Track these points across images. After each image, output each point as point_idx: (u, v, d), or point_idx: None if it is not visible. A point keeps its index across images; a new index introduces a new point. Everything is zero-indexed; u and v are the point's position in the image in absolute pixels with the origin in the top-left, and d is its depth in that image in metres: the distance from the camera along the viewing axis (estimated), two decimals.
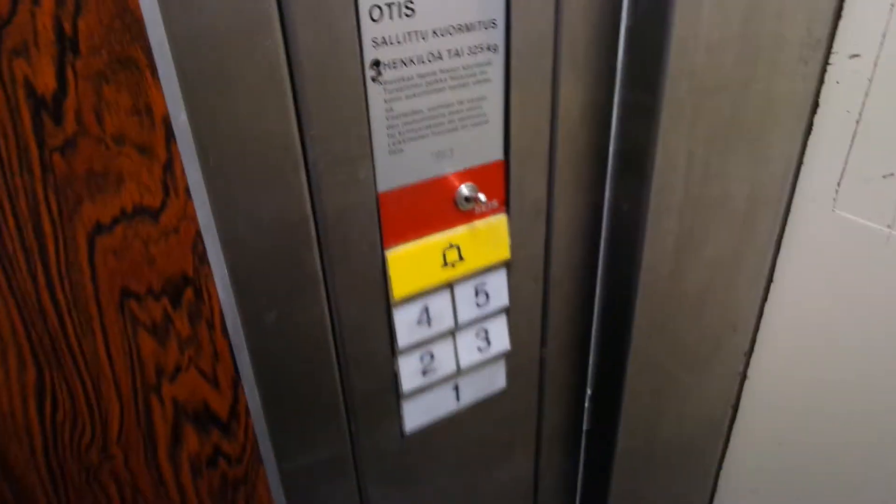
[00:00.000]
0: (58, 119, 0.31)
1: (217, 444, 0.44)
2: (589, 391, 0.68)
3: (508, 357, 0.58)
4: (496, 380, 0.59)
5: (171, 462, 0.43)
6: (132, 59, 0.32)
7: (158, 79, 0.33)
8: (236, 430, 0.45)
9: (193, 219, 0.36)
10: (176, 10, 0.32)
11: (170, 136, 0.34)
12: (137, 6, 0.31)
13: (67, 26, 0.30)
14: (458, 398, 0.57)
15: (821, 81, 0.55)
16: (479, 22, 0.43)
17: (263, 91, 0.37)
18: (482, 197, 0.47)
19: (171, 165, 0.35)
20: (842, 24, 0.53)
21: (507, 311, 0.55)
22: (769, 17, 0.49)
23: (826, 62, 0.55)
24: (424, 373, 0.53)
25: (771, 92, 0.54)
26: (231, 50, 0.35)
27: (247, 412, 0.44)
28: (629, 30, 0.49)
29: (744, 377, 0.72)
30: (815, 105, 0.57)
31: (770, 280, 0.66)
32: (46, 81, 0.30)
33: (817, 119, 0.57)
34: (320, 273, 0.44)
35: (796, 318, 0.68)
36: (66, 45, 0.30)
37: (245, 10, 0.34)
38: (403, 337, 0.50)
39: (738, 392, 0.74)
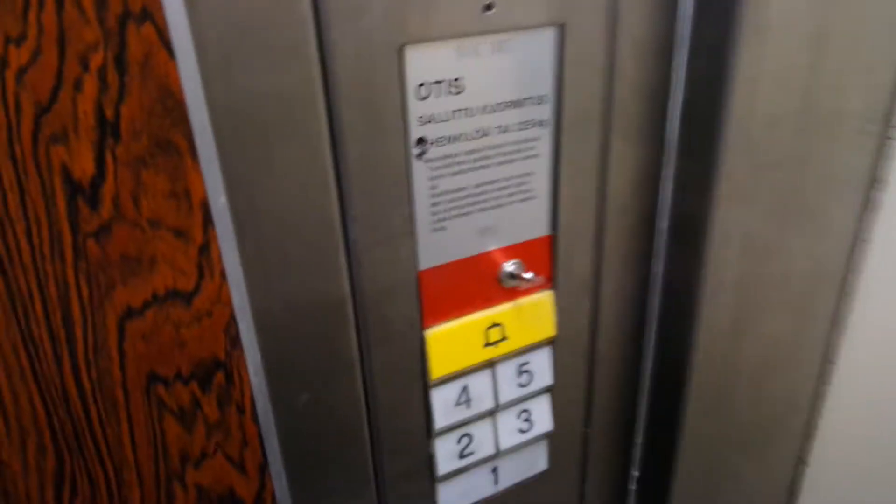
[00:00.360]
0: (94, 204, 0.30)
1: None
2: (635, 473, 0.63)
3: (550, 437, 0.55)
4: (537, 462, 0.55)
5: None
6: (172, 144, 0.31)
7: (198, 162, 0.31)
8: None
9: (228, 302, 0.35)
10: (219, 92, 0.31)
11: (207, 219, 0.33)
12: (180, 89, 0.30)
13: (109, 112, 0.29)
14: (496, 481, 0.54)
15: (881, 155, 0.52)
16: (528, 98, 0.41)
17: (305, 171, 0.35)
18: (528, 275, 0.45)
19: (207, 248, 0.33)
20: None
21: (550, 390, 0.52)
22: (828, 90, 0.47)
23: (886, 135, 0.52)
24: (462, 455, 0.50)
25: (831, 166, 0.51)
26: (274, 131, 0.34)
27: (273, 499, 0.42)
28: (685, 102, 0.47)
29: (802, 462, 0.67)
30: (875, 179, 0.53)
31: (830, 361, 0.62)
32: (84, 167, 0.29)
33: (882, 195, 0.54)
34: (356, 354, 0.42)
35: (860, 402, 0.64)
36: (107, 130, 0.29)
37: (289, 91, 0.33)
38: (441, 418, 0.48)
39: (795, 478, 0.68)
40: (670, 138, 0.48)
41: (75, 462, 0.35)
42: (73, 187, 0.30)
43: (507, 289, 0.47)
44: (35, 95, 0.27)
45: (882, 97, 0.49)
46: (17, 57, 0.27)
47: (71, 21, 0.27)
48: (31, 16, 0.26)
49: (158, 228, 0.32)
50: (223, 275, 0.34)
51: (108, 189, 0.30)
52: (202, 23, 0.29)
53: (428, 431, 0.48)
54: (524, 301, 0.48)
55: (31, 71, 0.27)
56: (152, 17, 0.28)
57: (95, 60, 0.28)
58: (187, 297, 0.34)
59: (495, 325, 0.47)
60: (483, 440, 0.51)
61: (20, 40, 0.26)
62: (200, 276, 0.34)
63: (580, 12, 0.40)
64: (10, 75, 0.27)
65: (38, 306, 0.31)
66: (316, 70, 0.34)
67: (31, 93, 0.27)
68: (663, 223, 0.51)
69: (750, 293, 0.53)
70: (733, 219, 0.48)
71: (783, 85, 0.45)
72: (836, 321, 0.59)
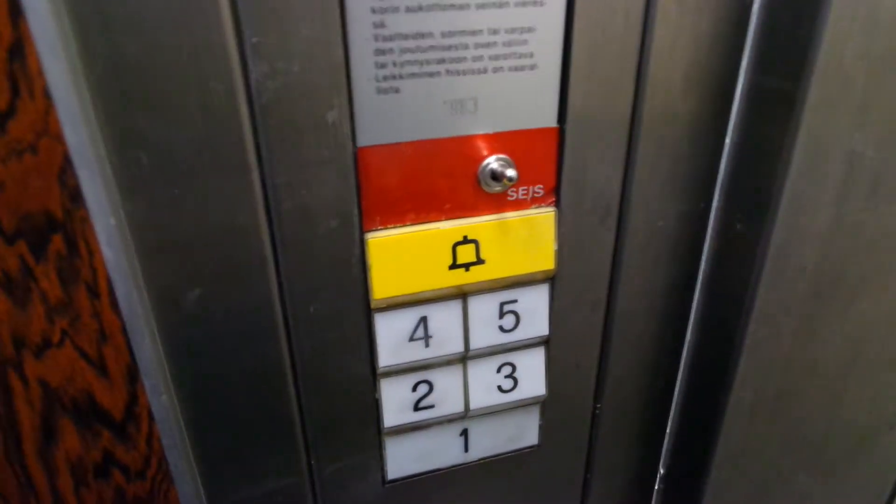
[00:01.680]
0: None
1: (109, 450, 0.34)
2: (661, 471, 0.50)
3: (544, 406, 0.43)
4: (525, 433, 0.44)
5: (42, 463, 0.33)
6: None
7: None
8: (135, 437, 0.34)
9: (58, 136, 0.26)
10: None
11: (16, 10, 0.23)
12: None
13: None
14: (465, 448, 0.43)
15: None
16: None
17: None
18: (511, 171, 0.33)
19: (20, 51, 0.24)
20: None
21: (546, 342, 0.40)
22: None
23: None
24: (417, 407, 0.39)
25: None
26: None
27: (150, 416, 0.33)
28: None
29: None
30: None
31: None
32: None
33: None
34: (270, 253, 0.32)
35: None
36: None
37: None
38: (387, 354, 0.37)
39: None
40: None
41: None
42: None
43: (489, 195, 0.35)
44: None
45: None
46: None
47: None
48: None
49: None
50: (48, 94, 0.25)
51: None
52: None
53: (372, 370, 0.37)
54: (513, 216, 0.36)
55: None
56: None
57: None
58: None
59: (468, 240, 0.35)
60: (448, 393, 0.40)
61: None
62: (14, 91, 0.25)
63: None
64: None
65: None
66: None
67: None
68: (727, 139, 0.37)
69: (844, 250, 0.38)
70: (833, 131, 0.33)
71: None
72: None
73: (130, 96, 0.27)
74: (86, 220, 0.28)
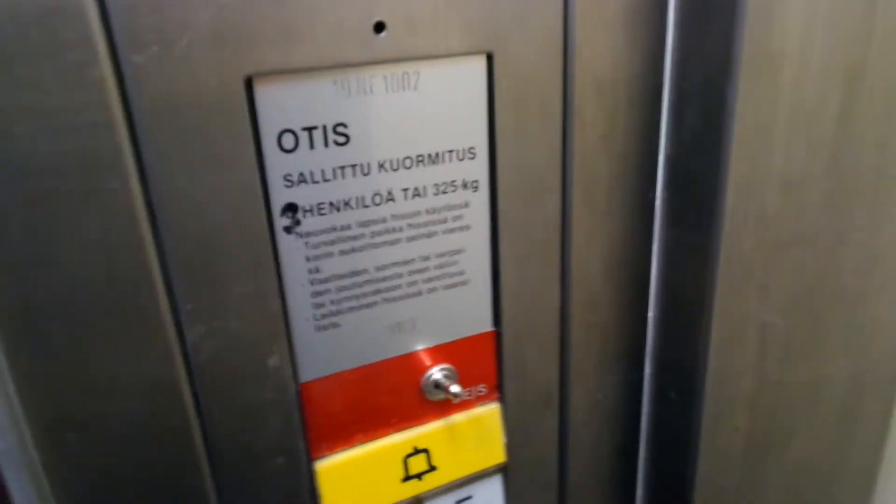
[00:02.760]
0: None
1: None
2: None
3: None
4: None
5: None
6: None
7: None
8: None
9: None
10: None
11: None
12: None
13: None
14: None
15: None
16: (450, 151, 0.30)
17: (107, 250, 0.25)
18: (455, 387, 0.33)
19: None
20: None
21: None
22: (864, 145, 0.35)
23: None
24: None
25: (874, 243, 0.39)
26: (62, 200, 0.23)
27: None
28: (671, 158, 0.35)
29: None
30: None
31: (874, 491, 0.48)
32: None
33: None
34: (213, 493, 0.31)
35: None
36: None
37: (80, 150, 0.23)
38: None
39: None
40: (657, 204, 0.37)
41: None
42: None
43: (434, 403, 0.35)
44: None
45: None
46: None
47: None
48: None
49: None
50: None
51: None
52: None
53: None
54: (459, 418, 0.36)
55: None
56: None
57: None
58: None
59: (419, 451, 0.35)
60: None
61: None
62: None
63: (514, 37, 0.29)
64: None
65: None
66: (116, 108, 0.24)
67: None
68: (651, 312, 0.39)
69: (772, 409, 0.40)
70: (743, 309, 0.36)
71: (804, 138, 0.33)
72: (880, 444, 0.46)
73: (63, 395, 0.26)
74: None
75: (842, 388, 0.42)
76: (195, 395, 0.28)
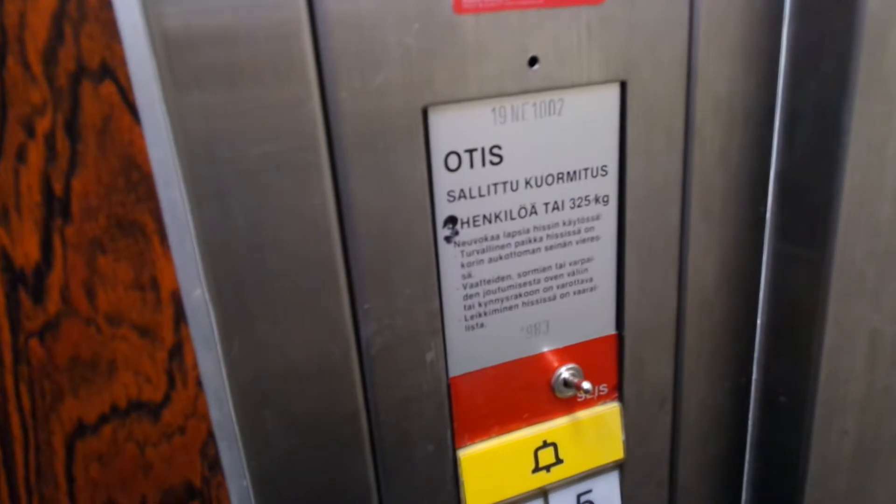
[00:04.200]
0: (38, 297, 0.25)
1: None
2: None
3: None
4: None
5: None
6: (137, 224, 0.25)
7: (169, 246, 0.26)
8: None
9: (205, 416, 0.28)
10: (196, 163, 0.26)
11: (180, 315, 0.27)
12: (147, 160, 0.25)
13: (58, 186, 0.24)
14: None
15: None
16: (586, 168, 0.34)
17: (310, 257, 0.29)
18: (586, 384, 0.36)
19: (179, 351, 0.27)
20: None
21: None
22: None
23: None
24: None
25: None
26: (267, 208, 0.28)
27: None
28: (783, 172, 0.38)
29: None
30: None
31: None
32: (28, 251, 0.24)
33: None
34: (373, 480, 0.34)
35: None
36: (56, 207, 0.24)
37: (287, 160, 0.28)
38: None
39: None
40: (758, 213, 0.39)
41: None
42: (14, 276, 0.24)
43: (562, 400, 0.38)
44: None
45: None
46: None
47: (13, 79, 0.22)
48: None
49: (119, 326, 0.26)
50: (199, 382, 0.28)
51: (55, 278, 0.25)
52: (176, 81, 0.24)
53: None
54: (584, 415, 0.39)
55: None
56: (113, 73, 0.23)
57: (42, 125, 0.23)
58: (154, 410, 0.28)
59: (547, 444, 0.38)
60: None
61: None
62: (171, 384, 0.28)
63: (646, 65, 0.33)
64: None
65: None
66: (321, 135, 0.28)
67: None
68: (760, 319, 0.42)
69: (880, 414, 0.42)
70: (855, 316, 0.38)
71: None
72: None
73: (261, 372, 0.30)
74: (221, 485, 0.30)
75: None
76: (364, 385, 0.32)
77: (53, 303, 0.25)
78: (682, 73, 0.34)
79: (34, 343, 0.25)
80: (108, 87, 0.24)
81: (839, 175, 0.35)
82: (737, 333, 0.41)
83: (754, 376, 0.43)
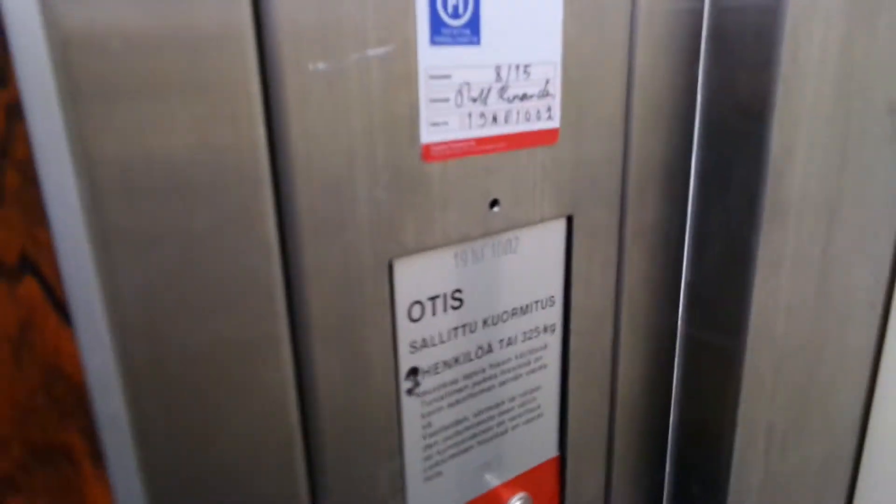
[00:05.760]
0: None
1: None
2: None
3: None
4: None
5: None
6: (60, 449, 0.19)
7: (104, 468, 0.20)
8: None
9: None
10: (142, 353, 0.21)
11: None
12: (77, 367, 0.19)
13: None
14: None
15: (884, 331, 0.49)
16: (536, 302, 0.33)
17: (264, 435, 0.25)
18: None
19: None
20: None
21: None
22: (838, 269, 0.43)
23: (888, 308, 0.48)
24: None
25: (842, 348, 0.46)
26: (221, 387, 0.23)
27: None
28: (691, 286, 0.41)
29: None
30: (879, 356, 0.50)
31: None
32: None
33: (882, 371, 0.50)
34: None
35: None
36: None
37: (245, 337, 0.23)
38: None
39: None
40: (685, 328, 0.42)
41: None
42: None
43: None
44: None
45: (884, 270, 0.46)
46: None
47: None
48: None
49: None
50: None
51: None
52: (119, 271, 0.19)
53: None
54: None
55: None
56: (36, 268, 0.18)
57: None
58: None
59: None
60: None
61: None
62: None
63: (589, 199, 0.33)
64: None
65: None
66: (281, 305, 0.24)
67: None
68: (673, 417, 0.44)
69: (773, 491, 0.46)
70: (757, 416, 0.42)
71: (802, 272, 0.40)
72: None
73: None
74: None
75: (816, 469, 0.49)
76: None
77: None
78: (617, 205, 0.35)
79: None
80: (28, 286, 0.18)
81: (748, 293, 0.38)
82: (655, 434, 0.43)
83: (667, 478, 0.45)
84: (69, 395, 0.19)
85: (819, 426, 0.47)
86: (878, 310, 0.47)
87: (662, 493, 0.46)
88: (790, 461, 0.46)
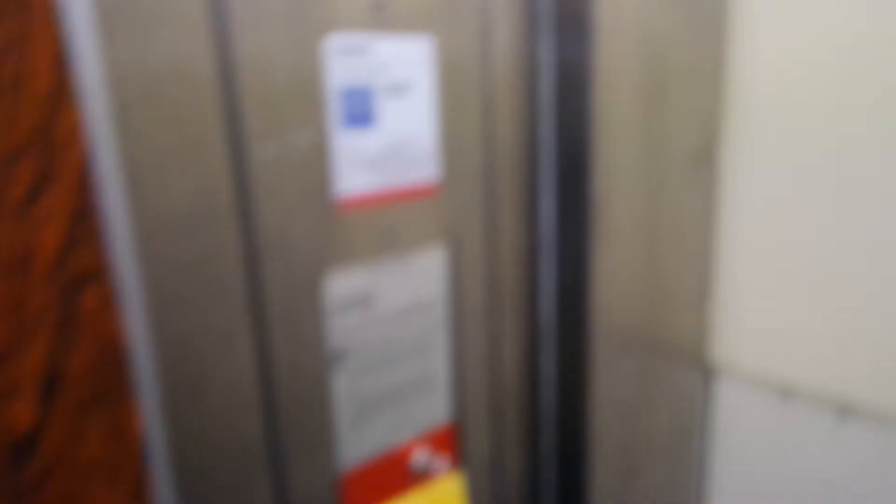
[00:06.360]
0: (31, 455, 0.30)
1: None
2: None
3: None
4: None
5: None
6: (114, 390, 0.32)
7: (138, 405, 0.33)
8: None
9: None
10: (163, 342, 0.33)
11: (145, 458, 0.34)
12: (124, 343, 0.32)
13: (57, 364, 0.30)
14: None
15: (703, 316, 0.64)
16: (430, 301, 0.47)
17: (234, 397, 0.38)
18: (436, 460, 0.48)
19: (143, 486, 0.34)
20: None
21: None
22: (659, 275, 0.58)
23: (706, 299, 0.64)
24: None
25: (674, 333, 0.61)
26: (208, 366, 0.36)
27: None
28: (558, 298, 0.55)
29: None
30: (705, 338, 0.65)
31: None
32: (25, 419, 0.30)
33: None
34: None
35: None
36: (55, 382, 0.30)
37: (222, 325, 0.36)
38: None
39: None
40: (548, 325, 0.56)
41: None
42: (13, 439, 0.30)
43: (419, 475, 0.49)
44: None
45: (703, 272, 0.62)
46: None
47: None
48: None
49: (96, 473, 0.32)
50: None
51: (48, 438, 0.30)
52: (154, 273, 0.32)
53: None
54: (437, 485, 0.50)
55: None
56: (101, 278, 0.31)
57: (48, 320, 0.30)
58: None
59: None
60: None
61: None
62: None
63: (468, 227, 0.48)
64: None
65: None
66: (250, 304, 0.37)
67: None
68: (552, 399, 0.58)
69: (631, 452, 0.60)
70: (609, 386, 0.56)
71: (628, 278, 0.55)
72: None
73: None
74: None
75: (666, 430, 0.63)
76: (283, 486, 0.41)
77: (44, 459, 0.31)
78: (485, 232, 0.49)
79: (28, 494, 0.30)
80: (100, 289, 0.31)
81: (588, 305, 0.52)
82: (535, 403, 0.57)
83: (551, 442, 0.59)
84: (121, 358, 0.32)
85: (661, 399, 0.62)
86: (701, 303, 0.62)
87: (544, 453, 0.59)
88: (641, 427, 0.60)
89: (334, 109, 0.39)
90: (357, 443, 0.45)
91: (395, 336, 0.46)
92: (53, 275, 0.29)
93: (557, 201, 0.52)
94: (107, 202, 0.30)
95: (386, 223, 0.43)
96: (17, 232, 0.28)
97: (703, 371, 0.65)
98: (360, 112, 0.40)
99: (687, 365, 0.63)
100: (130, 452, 0.33)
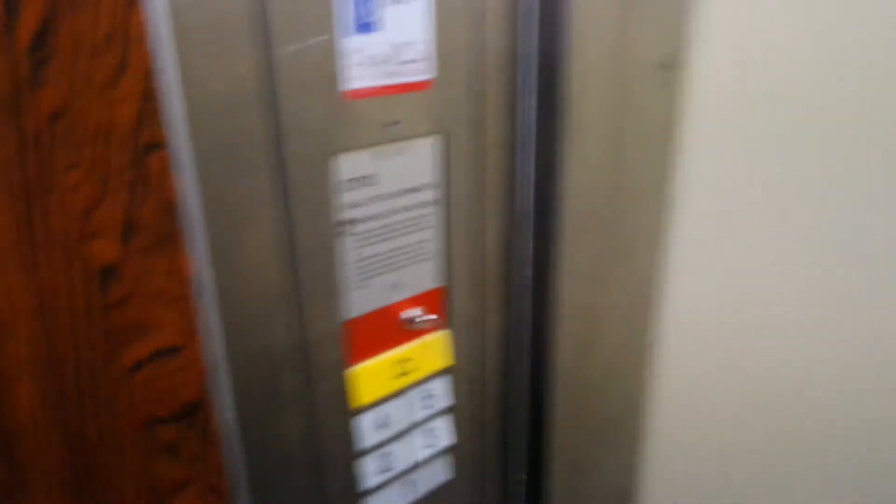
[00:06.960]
0: (115, 281, 0.40)
1: None
2: (523, 476, 0.78)
3: (454, 450, 0.68)
4: (445, 472, 0.68)
5: None
6: (172, 236, 0.42)
7: (188, 248, 0.43)
8: None
9: (207, 355, 0.45)
10: (209, 201, 0.43)
11: (195, 291, 0.44)
12: (180, 199, 0.41)
13: (133, 213, 0.40)
14: (414, 491, 0.65)
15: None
16: (424, 184, 0.56)
17: (267, 253, 0.47)
18: (427, 317, 0.59)
19: (194, 313, 0.44)
20: None
21: (451, 410, 0.66)
22: (629, 168, 0.66)
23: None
24: (384, 470, 0.62)
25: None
26: (244, 224, 0.45)
27: None
28: (536, 180, 0.64)
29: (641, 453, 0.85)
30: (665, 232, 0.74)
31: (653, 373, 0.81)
32: (111, 254, 0.40)
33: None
34: (302, 389, 0.53)
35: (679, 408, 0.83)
36: (131, 227, 0.40)
37: (255, 193, 0.45)
38: (366, 440, 0.59)
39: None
40: (525, 209, 0.65)
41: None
42: (103, 269, 0.39)
43: (412, 331, 0.60)
44: (85, 203, 0.38)
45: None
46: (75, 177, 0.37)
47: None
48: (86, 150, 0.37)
49: (161, 299, 0.42)
50: (205, 333, 0.45)
51: (127, 269, 0.40)
52: (201, 147, 0.41)
53: (357, 453, 0.59)
54: (427, 339, 0.61)
55: (82, 186, 0.37)
56: (163, 147, 0.40)
57: (124, 179, 0.39)
58: (178, 352, 0.44)
59: (405, 360, 0.60)
60: (400, 456, 0.63)
61: (74, 167, 0.37)
62: (189, 335, 0.44)
63: (458, 123, 0.55)
64: (69, 190, 0.37)
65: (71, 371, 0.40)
66: (274, 177, 0.46)
67: (82, 200, 0.38)
68: (527, 271, 0.67)
69: (591, 320, 0.70)
70: (574, 261, 0.66)
71: (595, 168, 0.63)
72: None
73: None
74: (217, 398, 0.47)
75: (624, 310, 0.74)
76: (302, 329, 0.51)
77: (126, 285, 0.40)
78: (478, 126, 0.57)
79: (114, 310, 0.40)
80: (162, 154, 0.40)
81: (562, 186, 0.61)
82: (515, 280, 0.67)
83: (527, 306, 0.69)
84: (177, 210, 0.41)
85: (620, 275, 0.72)
86: (660, 192, 0.71)
87: (518, 318, 0.69)
88: (600, 300, 0.71)
89: (345, 16, 0.46)
90: (360, 299, 0.55)
91: (394, 211, 0.55)
92: (128, 143, 0.38)
93: (537, 100, 0.59)
94: (167, 88, 0.38)
95: (388, 116, 0.51)
96: (102, 109, 0.36)
97: (659, 252, 0.75)
98: (367, 19, 0.47)
99: (644, 246, 0.72)
100: (185, 286, 0.43)
